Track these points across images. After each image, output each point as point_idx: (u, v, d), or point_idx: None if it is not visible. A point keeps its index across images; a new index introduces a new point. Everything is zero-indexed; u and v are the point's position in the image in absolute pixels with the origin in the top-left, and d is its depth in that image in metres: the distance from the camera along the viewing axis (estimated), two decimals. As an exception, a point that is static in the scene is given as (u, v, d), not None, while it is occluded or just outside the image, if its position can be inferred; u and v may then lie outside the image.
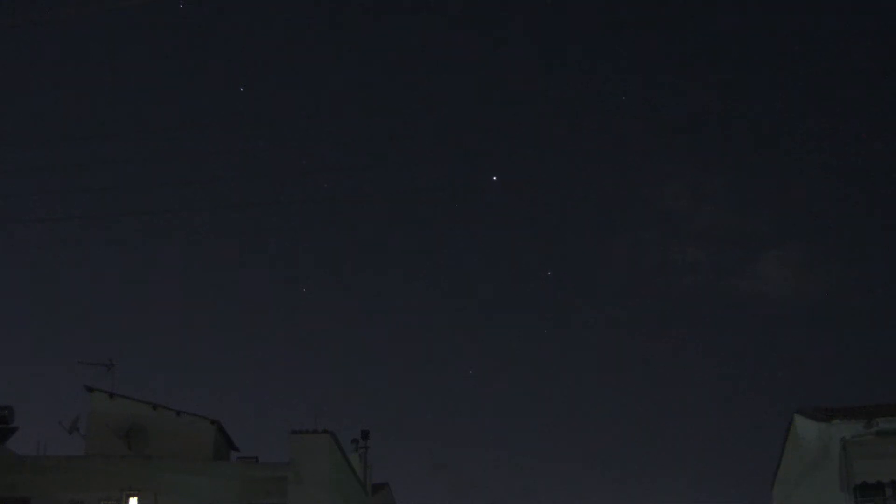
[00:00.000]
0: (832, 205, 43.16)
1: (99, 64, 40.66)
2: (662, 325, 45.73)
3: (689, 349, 45.41)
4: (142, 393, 19.84)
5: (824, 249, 44.13)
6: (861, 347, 43.25)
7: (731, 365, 45.53)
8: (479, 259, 44.71)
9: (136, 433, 18.92)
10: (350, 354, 43.88)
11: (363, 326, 44.85)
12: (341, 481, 18.82)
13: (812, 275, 43.10)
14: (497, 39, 40.96)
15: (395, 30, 41.60)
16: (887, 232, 42.65)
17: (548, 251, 45.56)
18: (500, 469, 42.75)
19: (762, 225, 43.70)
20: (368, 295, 43.34)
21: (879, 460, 13.74)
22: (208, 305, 42.34)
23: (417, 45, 42.09)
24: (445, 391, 46.39)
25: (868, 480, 13.70)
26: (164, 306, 41.42)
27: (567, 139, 42.74)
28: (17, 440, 18.40)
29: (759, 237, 43.95)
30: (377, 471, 24.20)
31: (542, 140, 42.26)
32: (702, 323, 45.54)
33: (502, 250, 45.09)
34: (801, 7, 40.23)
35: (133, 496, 17.51)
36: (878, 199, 42.90)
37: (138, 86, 41.00)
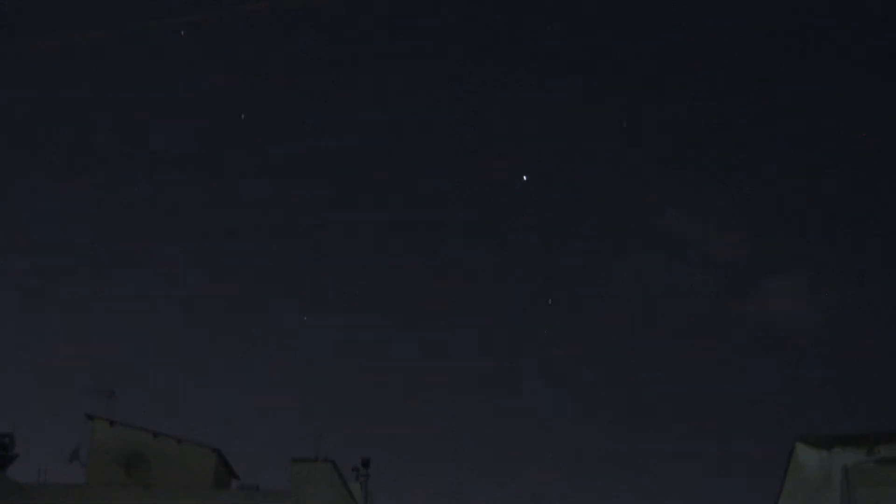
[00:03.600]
0: (835, 229, 43.20)
1: (98, 89, 40.80)
2: (664, 351, 45.67)
3: (690, 375, 45.29)
4: (142, 421, 19.82)
5: (827, 274, 44.10)
6: (863, 374, 43.15)
7: (733, 391, 45.37)
8: (480, 287, 44.71)
9: (137, 461, 18.88)
10: (351, 381, 43.77)
11: (364, 353, 44.78)
12: (342, 509, 18.80)
13: (815, 300, 43.07)
14: (498, 53, 41.17)
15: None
16: (889, 256, 42.64)
17: (548, 279, 45.49)
18: (505, 497, 42.58)
19: (765, 250, 43.70)
20: (370, 321, 43.27)
21: (882, 488, 13.67)
22: (208, 333, 42.27)
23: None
24: (448, 419, 46.25)
25: (870, 508, 13.65)
26: (165, 334, 41.33)
27: (565, 163, 43.01)
28: (18, 468, 18.37)
29: (762, 262, 43.95)
30: (379, 499, 24.13)
31: (542, 163, 42.54)
32: (703, 348, 45.45)
33: (503, 278, 45.09)
34: (803, 24, 40.49)
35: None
36: (879, 222, 42.95)
37: (137, 110, 41.17)
